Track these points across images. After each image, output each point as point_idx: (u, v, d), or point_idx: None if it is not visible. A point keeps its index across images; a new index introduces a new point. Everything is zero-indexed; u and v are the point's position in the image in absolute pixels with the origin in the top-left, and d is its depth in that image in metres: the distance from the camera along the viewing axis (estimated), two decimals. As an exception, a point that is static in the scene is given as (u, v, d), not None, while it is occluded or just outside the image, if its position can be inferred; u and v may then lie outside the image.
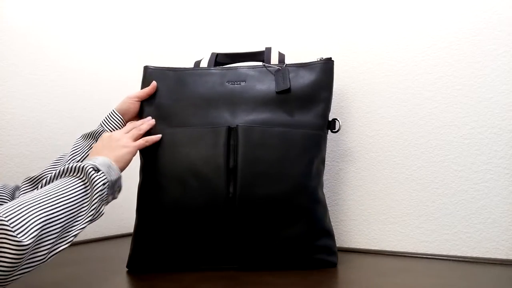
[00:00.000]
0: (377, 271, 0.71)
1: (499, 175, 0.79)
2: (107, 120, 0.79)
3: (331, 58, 0.79)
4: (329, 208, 0.95)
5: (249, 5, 1.09)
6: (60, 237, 0.55)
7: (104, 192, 0.61)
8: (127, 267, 0.74)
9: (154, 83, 0.79)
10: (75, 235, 0.57)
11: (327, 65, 0.79)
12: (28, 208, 0.51)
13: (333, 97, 0.97)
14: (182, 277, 0.67)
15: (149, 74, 0.81)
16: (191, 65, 0.88)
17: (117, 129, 0.79)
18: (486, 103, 0.81)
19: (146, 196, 0.74)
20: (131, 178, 0.87)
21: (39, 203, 0.53)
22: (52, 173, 0.61)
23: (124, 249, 0.87)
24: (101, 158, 0.65)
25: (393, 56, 0.91)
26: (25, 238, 0.49)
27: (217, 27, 1.14)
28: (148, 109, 0.79)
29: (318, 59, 0.80)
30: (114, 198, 0.67)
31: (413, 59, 0.88)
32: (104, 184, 0.61)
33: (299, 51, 1.01)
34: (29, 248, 0.49)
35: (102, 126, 0.78)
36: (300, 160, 0.72)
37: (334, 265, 0.74)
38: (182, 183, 0.71)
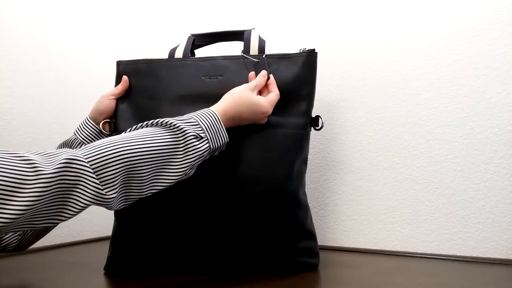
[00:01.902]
0: (377, 271, 0.71)
1: (498, 175, 0.80)
2: (81, 128, 0.77)
3: (314, 49, 0.74)
4: (329, 208, 0.95)
5: None
6: (128, 187, 0.54)
7: (201, 158, 0.59)
8: (104, 269, 0.73)
9: (125, 77, 0.77)
10: (152, 192, 0.56)
11: (310, 58, 0.74)
12: (110, 150, 0.52)
13: (333, 97, 0.97)
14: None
15: (121, 70, 0.78)
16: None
17: (91, 137, 0.76)
18: (485, 103, 0.81)
19: None
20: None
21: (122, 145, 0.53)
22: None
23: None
24: (214, 118, 0.62)
25: (393, 56, 0.91)
26: (109, 191, 0.51)
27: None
28: (123, 108, 0.76)
29: (301, 50, 0.74)
30: (212, 156, 0.64)
31: (413, 59, 0.88)
32: (201, 151, 0.58)
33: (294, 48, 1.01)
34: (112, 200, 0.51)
35: (75, 135, 0.77)
36: (281, 161, 0.70)
37: (315, 267, 0.72)
38: None
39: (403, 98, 0.89)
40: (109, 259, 0.72)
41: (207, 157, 0.63)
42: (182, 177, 0.58)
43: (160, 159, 0.56)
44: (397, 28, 0.91)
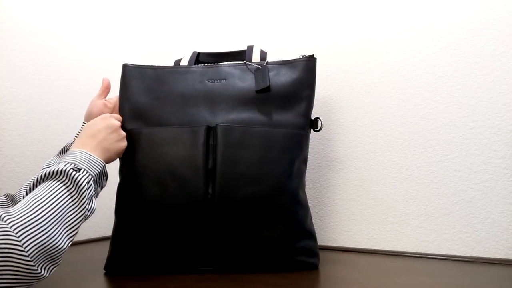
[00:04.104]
0: (377, 271, 0.71)
1: (498, 175, 0.80)
2: (79, 133, 0.78)
3: (313, 55, 0.77)
4: (329, 208, 0.95)
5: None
6: (51, 248, 0.52)
7: (91, 189, 0.60)
8: (104, 269, 0.73)
9: (105, 79, 0.82)
10: (71, 240, 0.56)
11: (309, 63, 0.76)
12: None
13: (333, 97, 0.97)
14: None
15: (127, 72, 0.79)
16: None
17: None
18: (485, 103, 0.81)
19: (125, 197, 0.73)
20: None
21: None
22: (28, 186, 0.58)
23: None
24: (79, 153, 0.63)
25: (392, 56, 0.91)
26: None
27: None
28: (126, 108, 0.77)
29: (301, 56, 0.77)
30: (102, 187, 0.67)
31: (413, 59, 0.88)
32: (88, 182, 0.59)
33: (296, 51, 1.01)
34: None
35: (75, 139, 0.77)
36: (281, 160, 0.71)
37: (315, 267, 0.72)
38: (161, 184, 0.69)
39: (403, 98, 0.89)
40: (109, 258, 0.73)
41: (99, 189, 0.65)
42: (88, 215, 0.59)
43: (63, 210, 0.55)
44: (397, 28, 0.91)
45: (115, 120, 0.72)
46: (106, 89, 0.82)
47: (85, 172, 0.60)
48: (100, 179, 0.65)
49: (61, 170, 0.57)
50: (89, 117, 0.79)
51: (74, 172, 0.58)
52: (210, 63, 0.85)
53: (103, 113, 0.80)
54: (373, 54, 0.93)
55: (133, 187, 0.72)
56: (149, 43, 1.26)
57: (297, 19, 1.02)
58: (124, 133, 0.73)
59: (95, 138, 0.67)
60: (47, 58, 1.01)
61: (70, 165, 0.59)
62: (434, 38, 0.87)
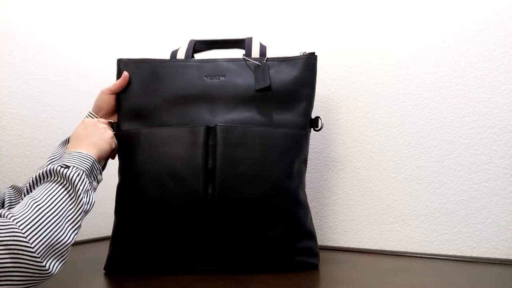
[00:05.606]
0: (377, 271, 0.71)
1: (498, 175, 0.80)
2: None
3: (314, 53, 0.76)
4: (329, 208, 0.95)
5: None
6: (57, 243, 0.53)
7: (85, 183, 0.61)
8: (104, 269, 0.73)
9: (125, 73, 0.77)
10: (75, 234, 0.57)
11: (309, 61, 0.75)
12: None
13: (333, 97, 0.97)
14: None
15: (123, 67, 0.78)
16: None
17: None
18: (485, 103, 0.81)
19: (125, 198, 0.72)
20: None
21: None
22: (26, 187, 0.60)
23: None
24: (66, 155, 0.64)
25: (393, 56, 0.91)
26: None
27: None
28: (125, 108, 0.76)
29: (301, 54, 0.76)
30: (99, 181, 0.67)
31: (413, 59, 0.88)
32: (80, 177, 0.60)
33: (295, 51, 1.01)
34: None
35: None
36: (281, 160, 0.70)
37: (315, 267, 0.72)
38: (160, 185, 0.69)
39: (403, 98, 0.89)
40: (109, 258, 0.73)
41: (95, 183, 0.66)
42: (88, 208, 0.61)
43: (63, 207, 0.57)
44: (397, 28, 0.91)
45: (90, 118, 0.74)
46: (122, 87, 0.77)
47: (75, 168, 0.61)
48: (94, 173, 0.65)
49: (52, 169, 0.59)
50: (99, 111, 0.77)
51: (64, 169, 0.59)
52: (207, 50, 0.83)
53: (110, 107, 0.78)
54: (373, 54, 0.93)
55: (133, 188, 0.71)
56: (150, 42, 1.26)
57: (297, 19, 1.02)
58: (104, 124, 0.73)
59: (78, 139, 0.69)
60: (47, 58, 1.01)
61: (58, 165, 0.60)
62: (434, 38, 0.87)
